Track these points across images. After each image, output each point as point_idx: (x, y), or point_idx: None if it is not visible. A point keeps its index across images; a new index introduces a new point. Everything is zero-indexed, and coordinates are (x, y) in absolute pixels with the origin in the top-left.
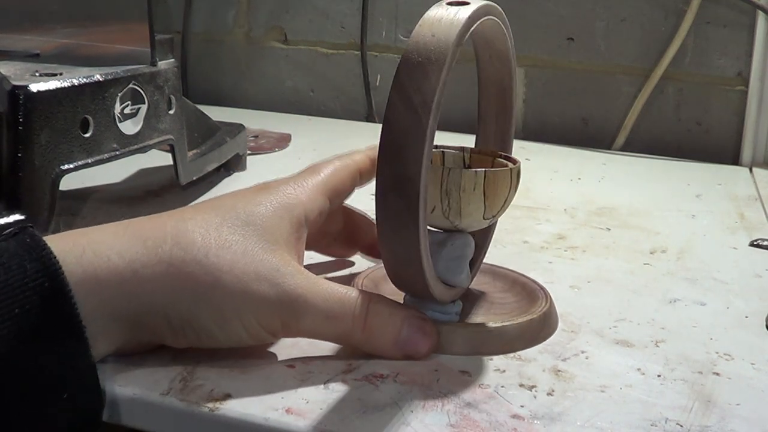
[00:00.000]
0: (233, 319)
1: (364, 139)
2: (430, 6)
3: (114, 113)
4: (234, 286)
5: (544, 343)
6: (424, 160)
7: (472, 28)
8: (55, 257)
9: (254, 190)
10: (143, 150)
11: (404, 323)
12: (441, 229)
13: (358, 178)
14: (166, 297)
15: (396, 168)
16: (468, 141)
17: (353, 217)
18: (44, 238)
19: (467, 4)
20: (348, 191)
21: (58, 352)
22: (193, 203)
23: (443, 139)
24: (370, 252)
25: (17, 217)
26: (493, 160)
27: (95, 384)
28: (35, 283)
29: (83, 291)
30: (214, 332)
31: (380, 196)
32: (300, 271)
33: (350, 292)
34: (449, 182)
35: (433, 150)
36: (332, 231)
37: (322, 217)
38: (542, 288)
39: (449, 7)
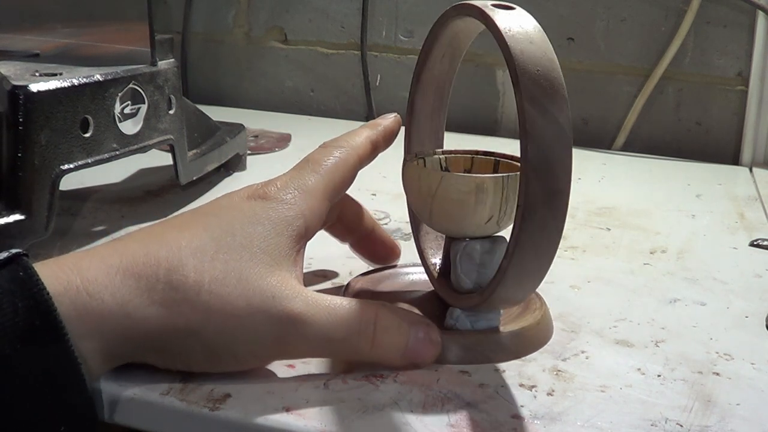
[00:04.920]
0: (224, 354)
1: None
2: (431, 6)
3: (114, 113)
4: (225, 322)
5: None
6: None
7: None
8: (47, 293)
9: (252, 202)
10: (143, 150)
11: (411, 334)
12: (477, 237)
13: (359, 167)
14: (158, 338)
15: (548, 182)
16: (465, 140)
17: (350, 206)
18: (37, 268)
19: (513, 8)
20: (349, 185)
21: (52, 388)
22: (194, 205)
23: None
24: (358, 246)
25: (17, 216)
26: (496, 161)
27: (92, 417)
28: (27, 321)
29: (77, 330)
30: (203, 364)
31: (529, 212)
32: (298, 294)
33: (353, 311)
34: (508, 188)
35: (420, 157)
36: (328, 219)
37: (322, 222)
38: None
39: (508, 11)
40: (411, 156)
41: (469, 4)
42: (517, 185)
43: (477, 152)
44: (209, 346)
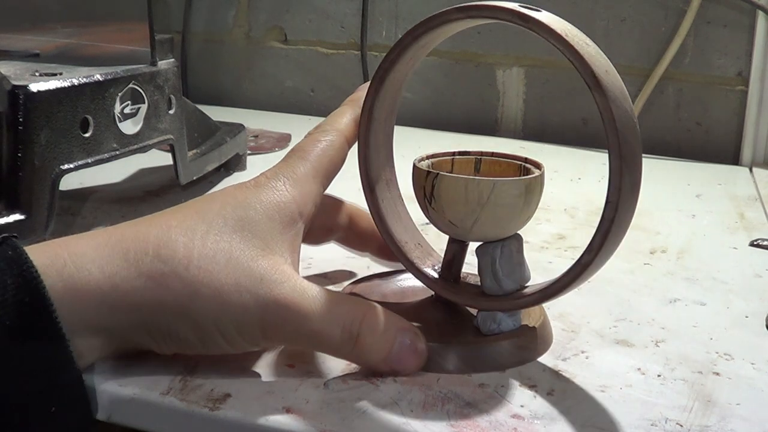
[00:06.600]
0: (212, 331)
1: None
2: (431, 6)
3: (114, 113)
4: (212, 298)
5: None
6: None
7: None
8: (36, 271)
9: (243, 190)
10: (143, 150)
11: (396, 340)
12: (506, 238)
13: (347, 148)
14: (146, 311)
15: (633, 176)
16: (465, 140)
17: (360, 218)
18: (26, 248)
19: (540, 10)
20: (339, 167)
21: (41, 366)
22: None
23: (441, 138)
24: (379, 256)
25: (17, 216)
26: (477, 160)
27: (83, 395)
28: (16, 298)
29: (65, 305)
30: (194, 344)
31: (621, 206)
32: (288, 279)
33: (341, 306)
34: (541, 186)
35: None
36: (335, 226)
37: (317, 207)
38: None
39: (541, 13)
40: (419, 162)
41: (496, 6)
42: (543, 181)
43: (454, 153)
44: (198, 324)
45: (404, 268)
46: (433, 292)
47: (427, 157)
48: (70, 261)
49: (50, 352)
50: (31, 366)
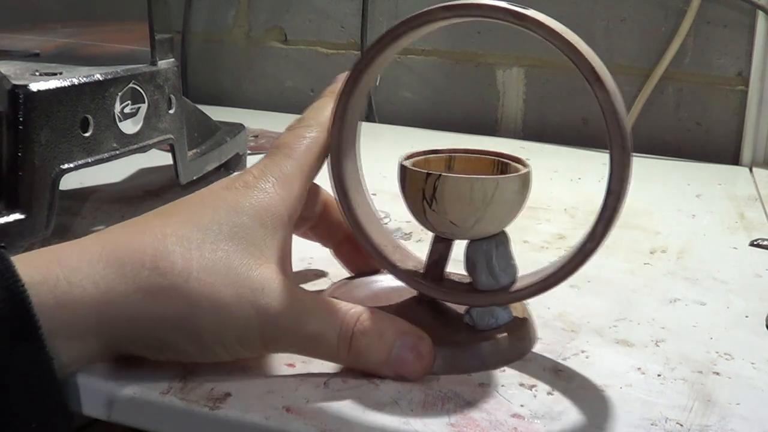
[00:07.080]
0: (212, 342)
1: (364, 138)
2: (430, 6)
3: (114, 113)
4: (214, 311)
5: (544, 342)
6: None
7: None
8: (23, 285)
9: (233, 191)
10: (143, 149)
11: (396, 342)
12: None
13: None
14: (145, 325)
15: (630, 166)
16: (465, 140)
17: (334, 206)
18: (16, 259)
19: (529, 9)
20: (323, 163)
21: (25, 383)
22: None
23: (441, 138)
24: (339, 251)
25: (17, 216)
26: (449, 157)
27: (65, 415)
28: (1, 312)
29: (56, 319)
30: (192, 354)
31: (623, 195)
32: (286, 287)
33: (336, 312)
34: (531, 180)
35: (419, 158)
36: (310, 215)
37: (302, 205)
38: None
39: (532, 11)
40: (410, 164)
41: (487, 4)
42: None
43: (428, 152)
44: (197, 335)
45: (375, 271)
46: (414, 293)
47: (407, 157)
48: (63, 277)
49: (33, 371)
50: (14, 383)
